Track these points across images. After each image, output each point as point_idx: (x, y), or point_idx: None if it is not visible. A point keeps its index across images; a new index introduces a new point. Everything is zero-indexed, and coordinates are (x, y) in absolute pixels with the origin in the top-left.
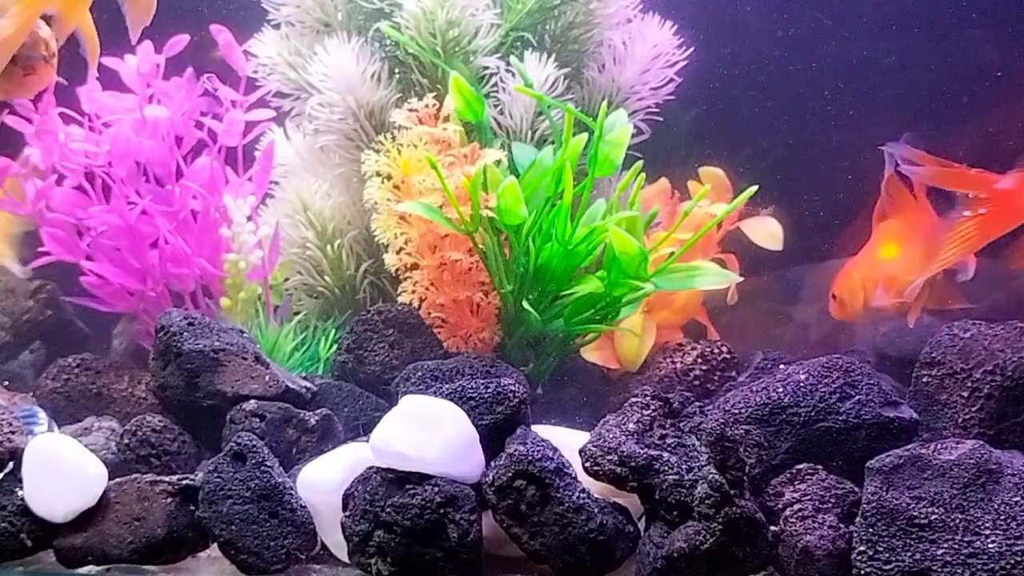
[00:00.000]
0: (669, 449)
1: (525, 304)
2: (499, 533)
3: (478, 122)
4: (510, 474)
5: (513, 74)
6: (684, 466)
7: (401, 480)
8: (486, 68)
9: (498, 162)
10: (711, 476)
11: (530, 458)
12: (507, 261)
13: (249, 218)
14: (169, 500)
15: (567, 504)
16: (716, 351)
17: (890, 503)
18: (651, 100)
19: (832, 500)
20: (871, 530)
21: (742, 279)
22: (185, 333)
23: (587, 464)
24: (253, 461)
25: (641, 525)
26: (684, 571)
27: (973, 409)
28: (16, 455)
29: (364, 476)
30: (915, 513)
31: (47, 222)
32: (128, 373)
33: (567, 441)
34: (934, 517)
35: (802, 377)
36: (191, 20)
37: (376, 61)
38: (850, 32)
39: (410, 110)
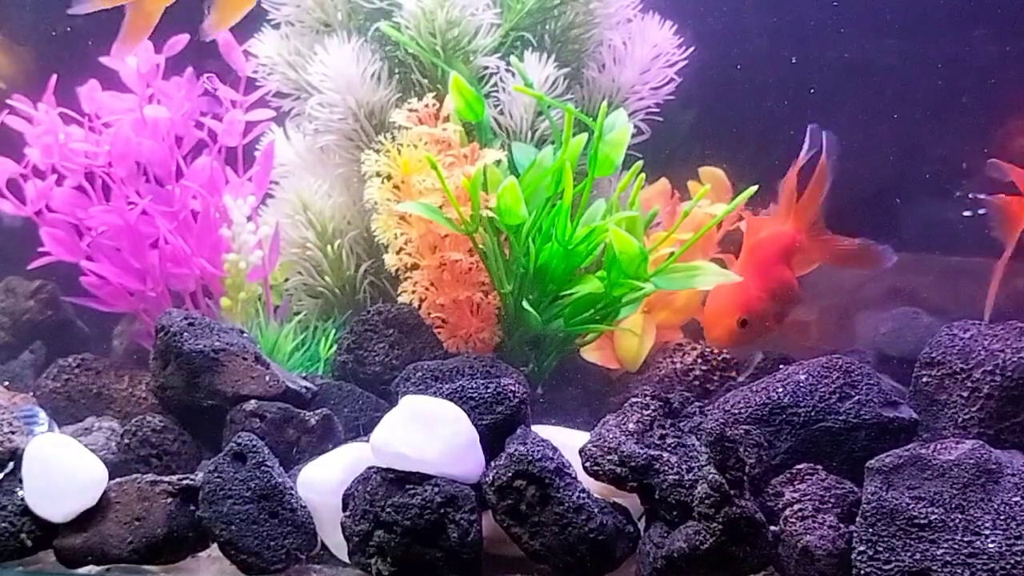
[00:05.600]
0: (669, 449)
1: (525, 304)
2: (499, 533)
3: (478, 122)
4: (510, 474)
5: (513, 74)
6: (684, 466)
7: (401, 480)
8: (486, 68)
9: (498, 162)
10: (711, 476)
11: (530, 458)
12: (507, 261)
13: (249, 218)
14: (169, 500)
15: (567, 504)
16: (716, 351)
17: (890, 503)
18: (651, 100)
19: (832, 500)
20: (871, 530)
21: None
22: (185, 333)
23: (587, 464)
24: (253, 461)
25: (641, 525)
26: (684, 571)
27: (973, 409)
28: (16, 455)
29: (364, 476)
30: (915, 513)
31: (47, 222)
32: (128, 373)
33: (567, 441)
34: (934, 517)
35: (802, 377)
36: (191, 20)
37: (376, 61)
38: (851, 30)
39: (410, 110)
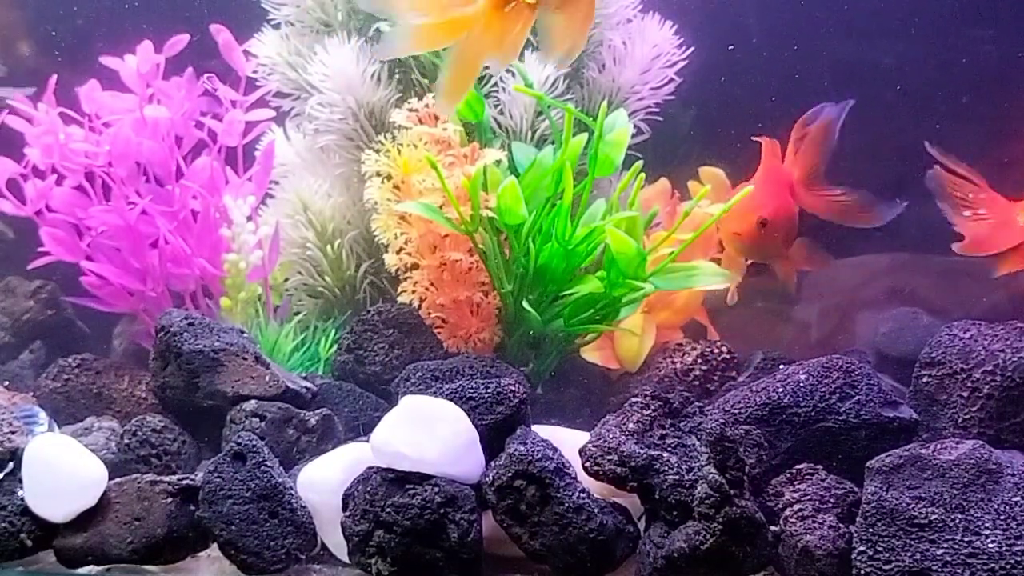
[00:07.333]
0: (669, 449)
1: (525, 304)
2: (499, 533)
3: (478, 122)
4: (510, 474)
5: (513, 74)
6: (684, 466)
7: (401, 480)
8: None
9: (498, 162)
10: (711, 476)
11: (530, 458)
12: (507, 261)
13: (249, 218)
14: (169, 500)
15: (567, 504)
16: (716, 351)
17: (890, 503)
18: (651, 100)
19: (832, 500)
20: (871, 530)
21: (741, 279)
22: (185, 333)
23: (587, 464)
24: (253, 461)
25: (641, 525)
26: (684, 571)
27: (973, 409)
28: (16, 455)
29: (364, 476)
30: (915, 513)
31: (47, 222)
32: (128, 373)
33: (567, 441)
34: (934, 517)
35: (802, 377)
36: (191, 20)
37: (376, 61)
38: (852, 30)
39: (410, 110)
